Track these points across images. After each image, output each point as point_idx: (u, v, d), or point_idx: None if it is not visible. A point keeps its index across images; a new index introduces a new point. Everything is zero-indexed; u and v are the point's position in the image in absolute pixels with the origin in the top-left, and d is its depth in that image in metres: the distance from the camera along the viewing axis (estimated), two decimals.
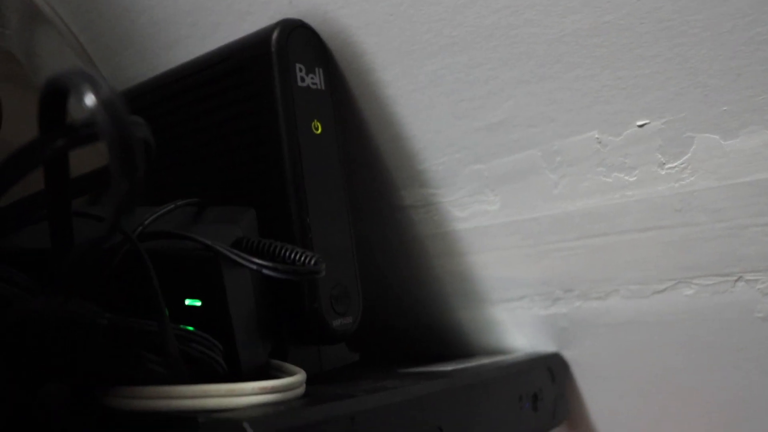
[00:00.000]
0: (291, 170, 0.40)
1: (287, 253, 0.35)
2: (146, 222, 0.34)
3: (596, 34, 0.39)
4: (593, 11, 0.39)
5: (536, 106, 0.43)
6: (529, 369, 0.49)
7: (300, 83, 0.41)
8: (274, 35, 0.41)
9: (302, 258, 0.34)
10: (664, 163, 0.42)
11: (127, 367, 0.32)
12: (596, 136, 0.43)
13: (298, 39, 0.42)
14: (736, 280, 0.44)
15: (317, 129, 0.42)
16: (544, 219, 0.47)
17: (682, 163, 0.42)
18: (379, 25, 0.43)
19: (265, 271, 0.33)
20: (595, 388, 0.53)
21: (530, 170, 0.45)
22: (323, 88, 0.43)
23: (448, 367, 0.45)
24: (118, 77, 0.54)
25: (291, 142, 0.40)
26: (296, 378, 0.34)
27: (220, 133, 0.44)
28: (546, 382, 0.50)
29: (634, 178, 0.43)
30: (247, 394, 0.31)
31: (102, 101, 0.24)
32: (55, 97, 0.26)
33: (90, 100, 0.24)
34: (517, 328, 0.54)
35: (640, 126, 0.41)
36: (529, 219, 0.48)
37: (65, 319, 0.30)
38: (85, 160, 0.33)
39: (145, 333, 0.32)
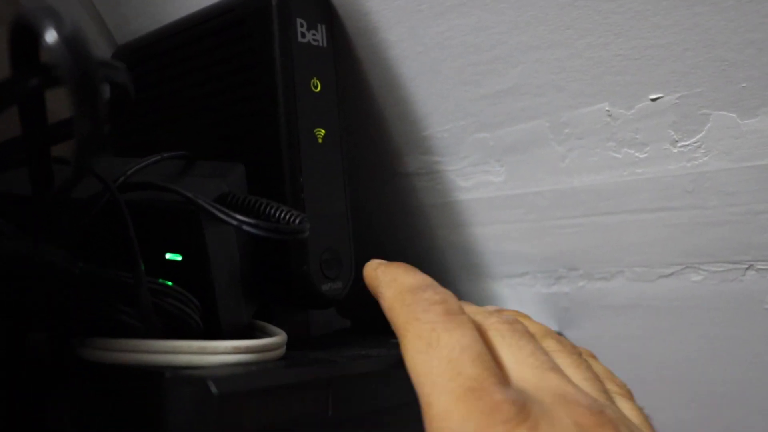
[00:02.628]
0: (286, 127, 0.39)
1: (272, 211, 0.34)
2: (129, 172, 0.33)
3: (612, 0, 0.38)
4: None
5: (545, 74, 0.41)
6: None
7: (300, 39, 0.40)
8: None
9: (287, 216, 0.33)
10: (677, 141, 0.40)
11: (100, 317, 0.31)
12: (607, 108, 0.41)
13: None
14: (747, 269, 0.43)
15: (316, 87, 0.41)
16: (549, 193, 0.45)
17: (695, 142, 0.40)
18: None
19: (245, 227, 0.32)
20: None
21: (537, 141, 0.44)
22: (325, 45, 0.41)
23: None
24: (122, 30, 0.53)
25: (287, 98, 0.39)
26: (274, 340, 0.33)
27: (217, 87, 0.42)
28: None
29: (645, 155, 0.41)
30: (219, 352, 0.30)
31: (64, 38, 0.22)
32: (25, 34, 0.25)
33: (51, 37, 0.22)
34: (518, 306, 0.52)
35: (653, 100, 0.40)
36: (533, 192, 0.46)
37: (37, 265, 0.29)
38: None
39: (120, 284, 0.31)
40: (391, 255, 0.55)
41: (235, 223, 0.32)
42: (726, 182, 0.40)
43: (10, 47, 0.27)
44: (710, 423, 0.48)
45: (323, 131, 0.41)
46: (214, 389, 0.27)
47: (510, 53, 0.41)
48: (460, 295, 0.54)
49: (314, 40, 0.41)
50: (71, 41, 0.22)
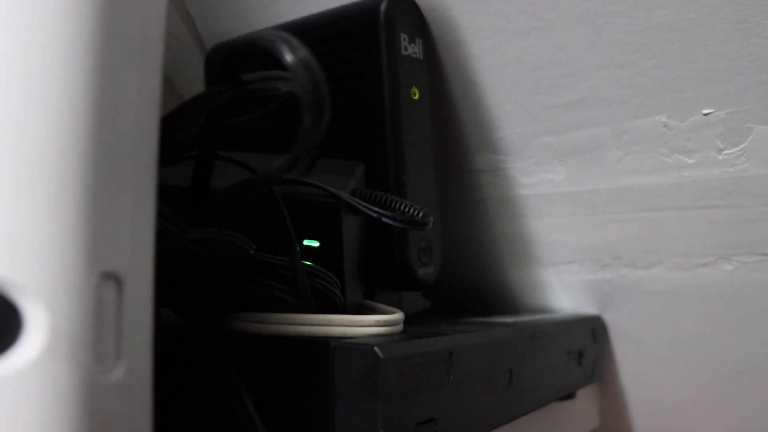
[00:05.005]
0: (391, 131, 0.45)
1: (397, 205, 0.39)
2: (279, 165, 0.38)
3: (677, 29, 0.44)
4: (678, 8, 0.43)
5: (612, 89, 0.47)
6: (575, 328, 0.54)
7: (403, 52, 0.45)
8: (383, 6, 0.45)
9: (410, 210, 0.39)
10: (722, 149, 0.46)
11: (262, 295, 0.36)
12: (663, 120, 0.47)
13: (403, 11, 0.46)
14: None
15: (415, 95, 0.46)
16: (604, 191, 0.51)
17: (738, 151, 0.46)
18: (477, 3, 0.47)
19: (384, 219, 0.37)
20: (629, 352, 0.58)
21: (598, 146, 0.50)
22: (421, 57, 0.47)
23: (509, 320, 0.50)
24: (212, 30, 0.58)
25: (393, 105, 0.45)
26: (400, 316, 0.38)
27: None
28: (589, 342, 0.55)
29: (693, 161, 0.48)
30: (365, 325, 0.36)
31: (301, 60, 0.28)
32: (246, 53, 0.30)
33: (290, 58, 0.28)
34: (563, 290, 0.58)
35: (705, 114, 0.46)
36: (590, 190, 0.52)
37: (216, 250, 0.34)
38: None
39: (278, 267, 0.36)
40: (449, 242, 0.61)
41: (374, 215, 0.37)
42: (762, 186, 0.46)
43: (222, 63, 0.32)
44: (736, 396, 0.54)
45: (420, 134, 0.46)
46: (381, 354, 0.32)
47: (583, 70, 0.47)
48: (508, 281, 0.60)
49: (414, 53, 0.46)
50: (307, 62, 0.27)
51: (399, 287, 0.46)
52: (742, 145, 0.46)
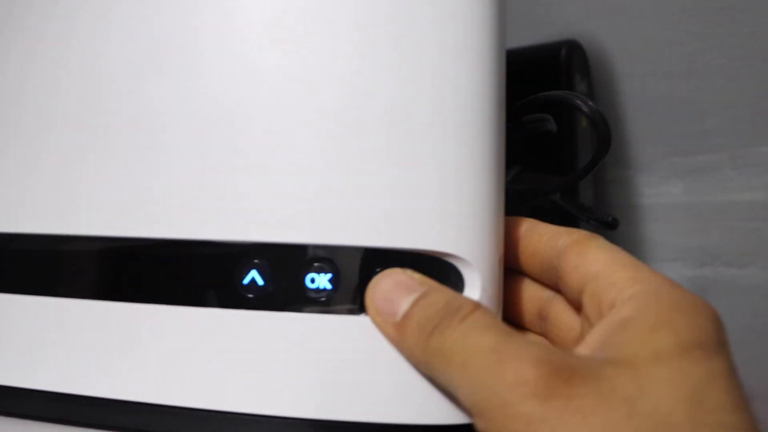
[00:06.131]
0: (569, 151, 0.57)
1: (590, 210, 0.51)
2: (508, 179, 0.50)
3: None
4: None
5: (735, 124, 0.59)
6: None
7: (576, 89, 0.57)
8: (563, 51, 0.57)
9: (603, 214, 0.51)
10: None
11: None
12: None
13: (577, 55, 0.58)
14: None
15: (584, 124, 0.58)
16: (714, 203, 0.64)
17: None
18: (632, 51, 0.59)
19: (591, 222, 0.49)
20: None
21: (715, 167, 0.62)
22: (587, 92, 0.59)
23: None
24: None
25: (571, 132, 0.57)
26: None
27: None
28: None
29: None
30: None
31: (595, 110, 0.40)
32: (548, 105, 0.42)
33: (587, 108, 0.40)
34: None
35: None
36: (702, 202, 0.64)
37: None
38: None
39: None
40: None
41: (583, 218, 0.49)
42: None
43: (527, 105, 0.43)
44: None
45: (587, 154, 0.58)
46: None
47: (712, 107, 0.59)
48: None
49: (583, 89, 0.58)
50: (599, 112, 0.39)
51: None
52: None
